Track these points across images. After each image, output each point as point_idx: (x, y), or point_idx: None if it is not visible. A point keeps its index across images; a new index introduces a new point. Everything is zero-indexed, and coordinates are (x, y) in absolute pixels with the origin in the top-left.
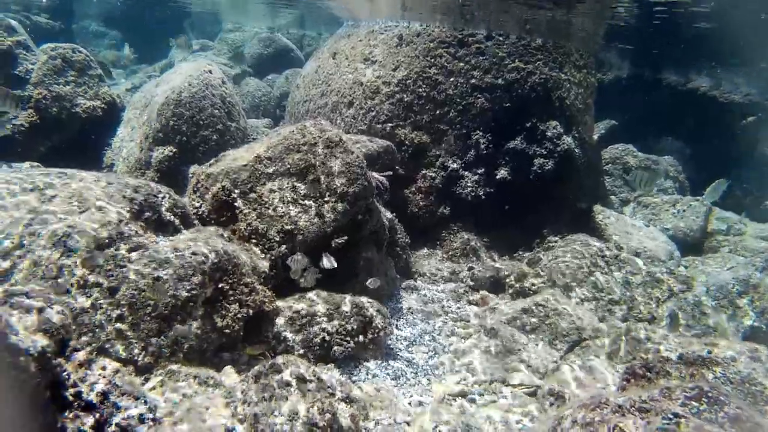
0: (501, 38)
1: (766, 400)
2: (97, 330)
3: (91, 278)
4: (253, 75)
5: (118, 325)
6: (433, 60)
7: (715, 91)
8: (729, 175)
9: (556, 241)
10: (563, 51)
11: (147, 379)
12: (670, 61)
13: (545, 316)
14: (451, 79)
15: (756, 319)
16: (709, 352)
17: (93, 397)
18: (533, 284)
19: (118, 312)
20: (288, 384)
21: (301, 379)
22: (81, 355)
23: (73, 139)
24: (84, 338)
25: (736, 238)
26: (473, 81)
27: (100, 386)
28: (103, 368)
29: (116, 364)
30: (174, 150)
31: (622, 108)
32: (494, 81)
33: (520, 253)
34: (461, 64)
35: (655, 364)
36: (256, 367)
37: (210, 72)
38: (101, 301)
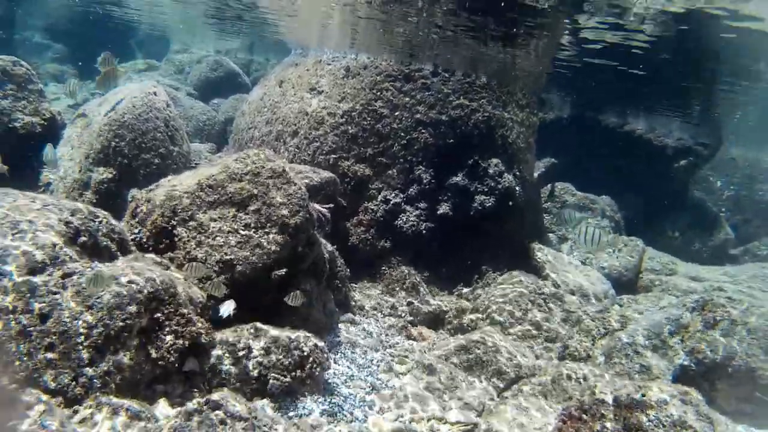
0: (447, 75)
1: None
2: (25, 359)
3: (21, 304)
4: (198, 98)
5: (48, 354)
6: (378, 93)
7: (650, 134)
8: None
9: (495, 278)
10: (507, 90)
11: (76, 411)
12: (609, 103)
13: (483, 353)
14: (396, 113)
15: (685, 358)
16: (643, 395)
17: None
18: (472, 320)
19: (49, 340)
20: (222, 422)
21: (236, 417)
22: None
23: (8, 156)
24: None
25: (668, 278)
26: (418, 116)
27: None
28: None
29: (45, 397)
30: (114, 172)
31: (563, 147)
32: (438, 117)
33: (460, 288)
34: (407, 98)
35: (591, 407)
36: (190, 404)
37: (155, 94)
38: (31, 329)
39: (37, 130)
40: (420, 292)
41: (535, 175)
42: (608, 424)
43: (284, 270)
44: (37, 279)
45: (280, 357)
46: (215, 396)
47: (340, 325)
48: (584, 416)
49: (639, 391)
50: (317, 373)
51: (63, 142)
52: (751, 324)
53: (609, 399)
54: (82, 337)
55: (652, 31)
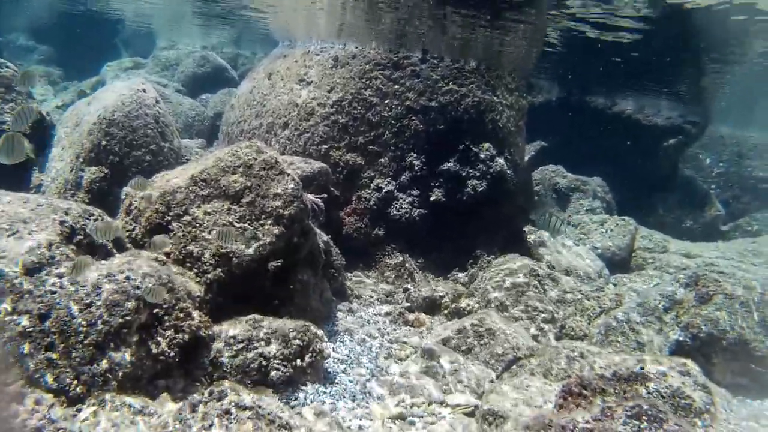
0: (435, 61)
1: (695, 412)
2: (26, 359)
3: (20, 305)
4: (186, 94)
5: (49, 353)
6: (368, 82)
7: (639, 114)
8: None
9: (489, 262)
10: (496, 74)
11: (79, 410)
12: (597, 84)
13: (480, 336)
14: (386, 101)
15: (680, 334)
16: (642, 368)
17: None
18: (468, 304)
19: (49, 340)
20: (227, 412)
21: (240, 407)
22: (11, 389)
23: None
24: (13, 370)
25: (661, 256)
26: (408, 103)
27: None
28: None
29: (49, 397)
30: (106, 171)
31: (552, 130)
32: (428, 103)
33: (455, 273)
34: (396, 86)
35: (591, 382)
36: (193, 395)
37: (144, 91)
38: (30, 329)
39: (25, 131)
40: (415, 279)
41: (526, 158)
42: (608, 398)
43: (280, 261)
44: (35, 279)
45: (280, 347)
46: (217, 387)
47: (337, 313)
48: (584, 391)
49: (638, 364)
50: (317, 362)
51: (53, 143)
52: (743, 297)
53: (608, 373)
54: (82, 336)
55: (639, 11)
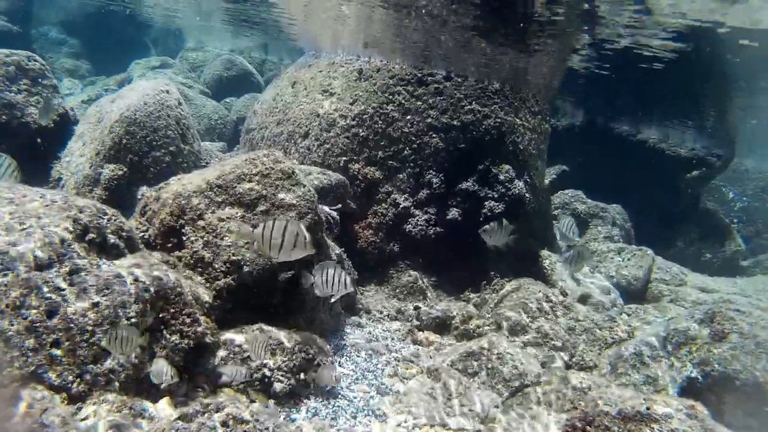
0: (460, 80)
1: None
2: (30, 354)
3: (28, 300)
4: (211, 96)
5: (53, 350)
6: (391, 96)
7: (663, 144)
8: (672, 229)
9: (502, 285)
10: (520, 96)
11: (80, 409)
12: (622, 111)
13: (488, 360)
14: (408, 117)
15: (693, 371)
16: (648, 408)
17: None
18: (478, 326)
19: (54, 336)
20: (224, 424)
21: (238, 420)
22: (7, 391)
23: (20, 150)
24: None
25: (678, 289)
26: (429, 120)
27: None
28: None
29: (48, 393)
30: (124, 169)
31: (575, 154)
32: (450, 122)
33: (467, 294)
34: (419, 102)
35: (594, 418)
36: (191, 404)
37: (167, 92)
38: (37, 324)
39: (49, 125)
40: (427, 297)
41: (546, 181)
42: None
43: (291, 272)
44: (44, 275)
45: (286, 359)
46: (215, 398)
47: (346, 328)
48: (588, 428)
49: (644, 403)
50: None
51: (75, 138)
52: (760, 337)
53: (613, 411)
54: (88, 335)
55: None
